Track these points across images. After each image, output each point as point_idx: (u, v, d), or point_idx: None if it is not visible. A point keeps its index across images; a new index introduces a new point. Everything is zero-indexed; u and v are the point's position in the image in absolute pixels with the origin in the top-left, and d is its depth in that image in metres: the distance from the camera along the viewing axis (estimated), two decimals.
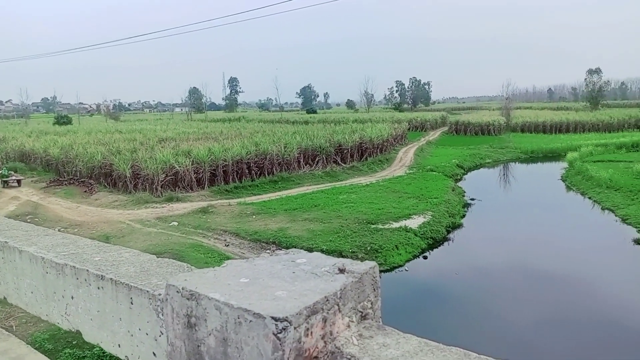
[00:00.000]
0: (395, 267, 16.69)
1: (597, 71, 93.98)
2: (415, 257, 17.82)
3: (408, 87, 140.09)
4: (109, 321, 1.67)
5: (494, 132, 62.71)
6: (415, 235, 19.18)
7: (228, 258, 14.78)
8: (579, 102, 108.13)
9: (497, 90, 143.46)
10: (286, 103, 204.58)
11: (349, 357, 1.04)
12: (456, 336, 12.10)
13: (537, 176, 39.91)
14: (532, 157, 46.99)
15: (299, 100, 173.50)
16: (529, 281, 15.83)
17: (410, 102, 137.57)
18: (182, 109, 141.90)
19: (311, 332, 0.96)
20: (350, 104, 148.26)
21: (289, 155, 32.02)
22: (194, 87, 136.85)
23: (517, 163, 45.21)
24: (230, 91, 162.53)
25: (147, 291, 1.49)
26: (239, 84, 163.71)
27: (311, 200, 24.83)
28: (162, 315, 1.34)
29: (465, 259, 18.19)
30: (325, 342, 1.01)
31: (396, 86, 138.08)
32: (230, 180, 28.55)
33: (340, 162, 35.63)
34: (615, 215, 22.81)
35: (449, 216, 22.49)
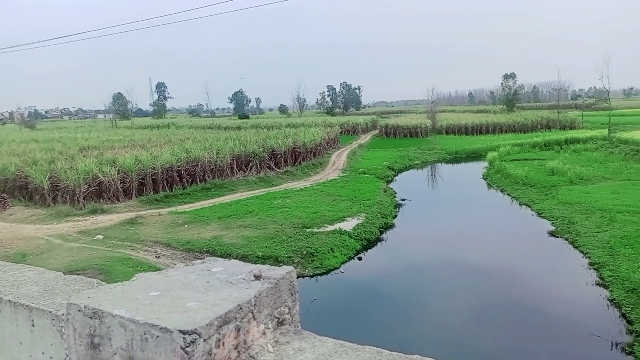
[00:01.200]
0: (331, 270, 16.85)
1: (512, 76, 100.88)
2: (350, 258, 18.10)
3: (339, 92, 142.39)
4: (9, 346, 1.52)
5: (421, 134, 65.33)
6: (350, 237, 19.49)
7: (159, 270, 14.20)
8: (497, 105, 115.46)
9: (423, 95, 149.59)
10: (217, 108, 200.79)
11: None
12: (388, 333, 12.42)
13: (462, 175, 42.06)
14: (456, 158, 49.45)
15: (231, 106, 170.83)
16: (457, 275, 16.60)
17: (341, 107, 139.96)
18: (105, 116, 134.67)
19: (223, 343, 0.92)
20: (282, 109, 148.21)
21: (222, 161, 31.41)
22: (119, 93, 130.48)
23: (443, 163, 47.38)
24: (158, 97, 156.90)
25: (50, 311, 1.36)
26: (167, 89, 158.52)
27: (245, 207, 24.50)
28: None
29: (397, 258, 18.73)
30: (238, 351, 0.97)
31: (328, 91, 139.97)
32: (160, 189, 27.49)
33: (274, 167, 35.48)
34: (532, 210, 24.52)
35: (382, 217, 23.08)
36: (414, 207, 27.21)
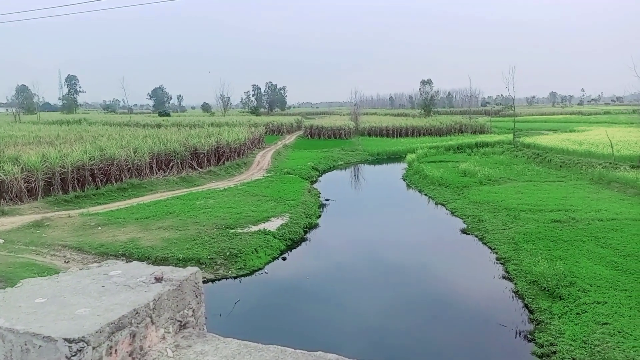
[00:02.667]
0: (255, 271, 16.67)
1: (429, 82, 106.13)
2: (274, 259, 18.03)
3: (264, 92, 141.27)
4: None
5: (345, 135, 66.73)
6: (274, 237, 19.41)
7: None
8: (415, 110, 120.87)
9: (346, 97, 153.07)
10: (135, 105, 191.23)
11: None
12: (308, 332, 12.53)
13: (383, 176, 43.54)
14: (378, 159, 51.09)
15: (150, 102, 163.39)
16: (378, 272, 17.13)
17: (266, 107, 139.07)
18: (7, 110, 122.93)
19: (115, 350, 0.85)
20: (206, 107, 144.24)
21: (140, 160, 29.94)
22: (23, 85, 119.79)
23: (365, 164, 48.74)
24: (69, 90, 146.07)
25: None
26: (79, 83, 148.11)
27: (166, 208, 23.55)
28: None
29: (321, 257, 18.97)
30: (133, 358, 0.91)
31: (253, 90, 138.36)
32: (70, 189, 25.64)
33: (196, 167, 34.46)
34: (446, 209, 25.95)
35: (306, 217, 23.24)
36: (337, 207, 27.70)
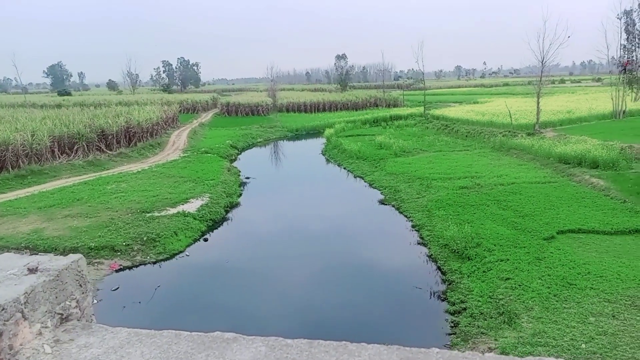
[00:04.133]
0: (175, 254, 16.19)
1: (344, 57, 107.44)
2: (196, 240, 17.61)
3: (176, 68, 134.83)
4: None
5: (263, 112, 65.95)
6: (195, 218, 18.91)
7: None
8: (332, 84, 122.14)
9: (263, 73, 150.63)
10: (30, 84, 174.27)
11: None
12: (232, 312, 12.49)
13: (302, 151, 43.78)
14: (297, 135, 51.21)
15: (48, 81, 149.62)
16: (302, 245, 17.37)
17: (179, 84, 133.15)
18: None
19: None
20: (112, 85, 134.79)
21: (39, 144, 27.46)
22: None
23: (285, 140, 48.67)
24: None
25: None
26: None
27: (72, 194, 21.96)
28: None
29: (243, 235, 18.81)
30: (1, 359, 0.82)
31: (163, 66, 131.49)
32: None
33: (105, 150, 32.33)
34: (365, 181, 26.78)
35: (227, 196, 22.85)
36: (259, 185, 27.51)
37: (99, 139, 32.15)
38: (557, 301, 10.90)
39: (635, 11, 44.28)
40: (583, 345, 9.06)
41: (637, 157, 23.63)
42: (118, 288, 13.65)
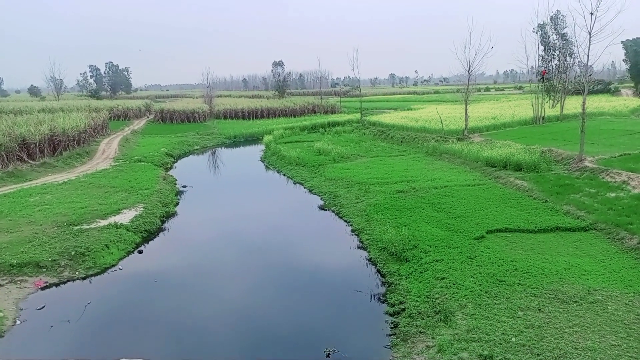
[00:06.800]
0: (107, 268, 15.40)
1: (281, 64, 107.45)
2: (129, 253, 16.85)
3: (105, 73, 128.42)
4: None
5: (199, 119, 64.53)
6: (128, 230, 18.10)
7: None
8: (269, 91, 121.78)
9: (198, 79, 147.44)
10: None
11: None
12: (164, 331, 12.07)
13: (241, 159, 43.25)
14: (235, 142, 50.55)
15: None
16: (241, 254, 17.08)
17: (109, 89, 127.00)
18: None
19: None
20: (34, 91, 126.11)
21: None
22: None
23: (223, 148, 47.85)
24: None
25: None
26: None
27: None
28: None
29: (181, 246, 18.20)
30: None
31: (90, 71, 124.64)
32: None
33: (27, 160, 30.18)
34: (304, 187, 26.90)
35: (163, 206, 22.09)
36: (196, 193, 26.82)
37: (20, 149, 29.97)
38: (488, 297, 11.49)
39: (547, 25, 47.91)
40: (513, 339, 9.61)
41: (555, 160, 25.51)
42: (44, 307, 12.75)
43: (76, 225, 18.03)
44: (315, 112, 74.65)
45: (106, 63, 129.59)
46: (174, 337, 11.45)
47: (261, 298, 13.70)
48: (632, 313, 10.41)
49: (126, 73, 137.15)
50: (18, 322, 11.96)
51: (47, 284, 14.03)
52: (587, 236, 15.65)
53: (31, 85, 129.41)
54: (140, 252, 17.23)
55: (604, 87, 77.37)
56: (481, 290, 11.84)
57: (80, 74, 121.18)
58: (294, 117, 70.18)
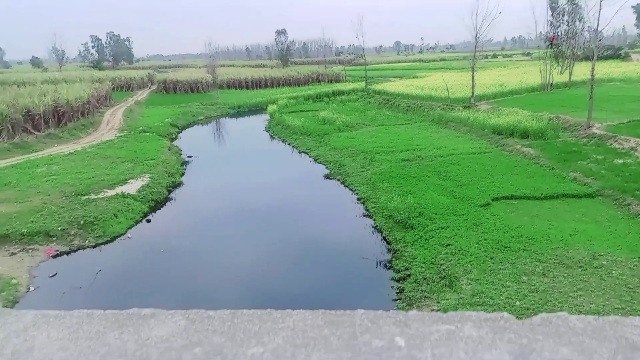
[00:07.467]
0: (116, 237, 15.62)
1: (284, 32, 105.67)
2: (138, 222, 17.05)
3: (106, 43, 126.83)
4: None
5: (203, 89, 63.99)
6: (135, 200, 18.26)
7: None
8: (273, 60, 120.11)
9: (201, 49, 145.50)
10: None
11: None
12: (177, 292, 12.32)
13: (246, 129, 43.07)
14: (239, 112, 50.25)
15: None
16: (250, 221, 17.23)
17: (111, 60, 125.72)
18: None
19: None
20: (36, 62, 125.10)
21: None
22: None
23: (227, 118, 47.64)
24: None
25: None
26: None
27: None
28: None
29: (188, 215, 18.38)
30: None
31: (92, 42, 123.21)
32: None
33: (32, 131, 30.22)
34: (310, 156, 26.87)
35: (169, 176, 22.20)
36: (202, 163, 26.89)
37: (25, 120, 29.97)
38: (493, 263, 11.61)
39: None
40: (517, 303, 9.76)
41: (563, 127, 25.27)
42: (56, 274, 13.02)
43: (84, 195, 18.19)
44: (319, 81, 73.78)
45: (107, 33, 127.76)
46: (184, 295, 11.70)
47: (268, 264, 13.92)
48: (636, 277, 10.50)
49: (127, 43, 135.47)
50: (32, 288, 12.25)
51: (58, 252, 14.28)
52: (593, 202, 15.65)
53: (33, 57, 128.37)
54: (149, 221, 17.43)
55: (614, 53, 75.73)
56: (486, 256, 11.95)
57: (82, 44, 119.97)
58: (298, 86, 69.44)
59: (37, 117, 30.80)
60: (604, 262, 11.25)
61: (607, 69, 51.22)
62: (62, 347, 1.00)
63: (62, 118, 33.43)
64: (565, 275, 10.77)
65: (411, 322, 1.07)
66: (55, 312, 1.15)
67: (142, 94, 62.07)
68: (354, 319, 1.10)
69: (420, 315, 1.09)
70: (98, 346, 1.01)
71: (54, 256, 14.09)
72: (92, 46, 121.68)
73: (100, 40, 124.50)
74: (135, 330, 1.06)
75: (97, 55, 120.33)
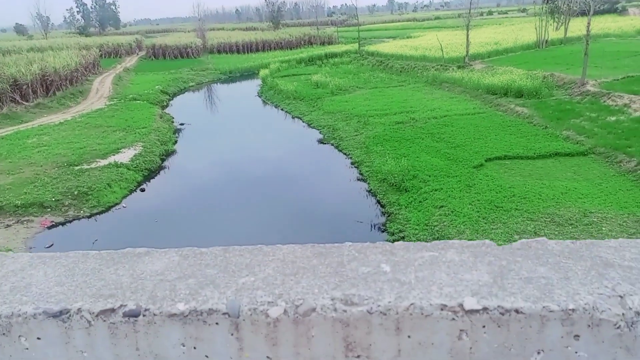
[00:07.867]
0: (111, 206, 15.65)
1: None
2: (132, 191, 17.06)
3: (92, 8, 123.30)
4: None
5: (193, 54, 62.72)
6: (128, 169, 18.21)
7: None
8: (264, 23, 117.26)
9: (189, 12, 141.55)
10: None
11: None
12: None
13: (238, 94, 42.50)
14: (231, 77, 49.45)
15: None
16: (246, 186, 17.28)
17: (97, 25, 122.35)
18: None
19: None
20: (20, 29, 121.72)
21: None
22: None
23: (218, 84, 46.92)
24: None
25: None
26: None
27: None
28: None
29: (183, 183, 18.38)
30: None
31: (77, 7, 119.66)
32: None
33: (20, 101, 29.70)
34: (303, 121, 26.67)
35: (161, 144, 22.06)
36: (194, 130, 26.66)
37: (12, 90, 29.39)
38: (485, 223, 11.76)
39: None
40: None
41: (557, 85, 25.07)
42: (52, 245, 13.10)
43: (76, 166, 18.11)
44: (311, 44, 72.30)
45: None
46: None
47: (263, 228, 14.03)
48: (625, 233, 10.68)
49: (114, 7, 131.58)
50: None
51: (53, 223, 14.33)
52: (585, 160, 15.73)
53: (16, 24, 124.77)
54: (143, 190, 17.44)
55: (611, 7, 74.35)
56: (479, 217, 12.09)
57: (67, 9, 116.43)
58: (290, 49, 68.09)
59: (24, 87, 30.20)
60: (594, 219, 11.42)
61: (603, 23, 50.36)
62: (59, 283, 1.06)
63: (50, 87, 32.82)
64: (556, 232, 10.94)
65: (397, 250, 1.15)
66: (50, 253, 1.21)
67: (130, 61, 60.82)
68: (342, 250, 1.17)
69: (405, 245, 1.17)
70: (94, 281, 1.08)
71: (49, 227, 14.14)
72: (77, 11, 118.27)
73: (86, 5, 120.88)
74: (130, 266, 1.14)
75: (82, 21, 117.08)
